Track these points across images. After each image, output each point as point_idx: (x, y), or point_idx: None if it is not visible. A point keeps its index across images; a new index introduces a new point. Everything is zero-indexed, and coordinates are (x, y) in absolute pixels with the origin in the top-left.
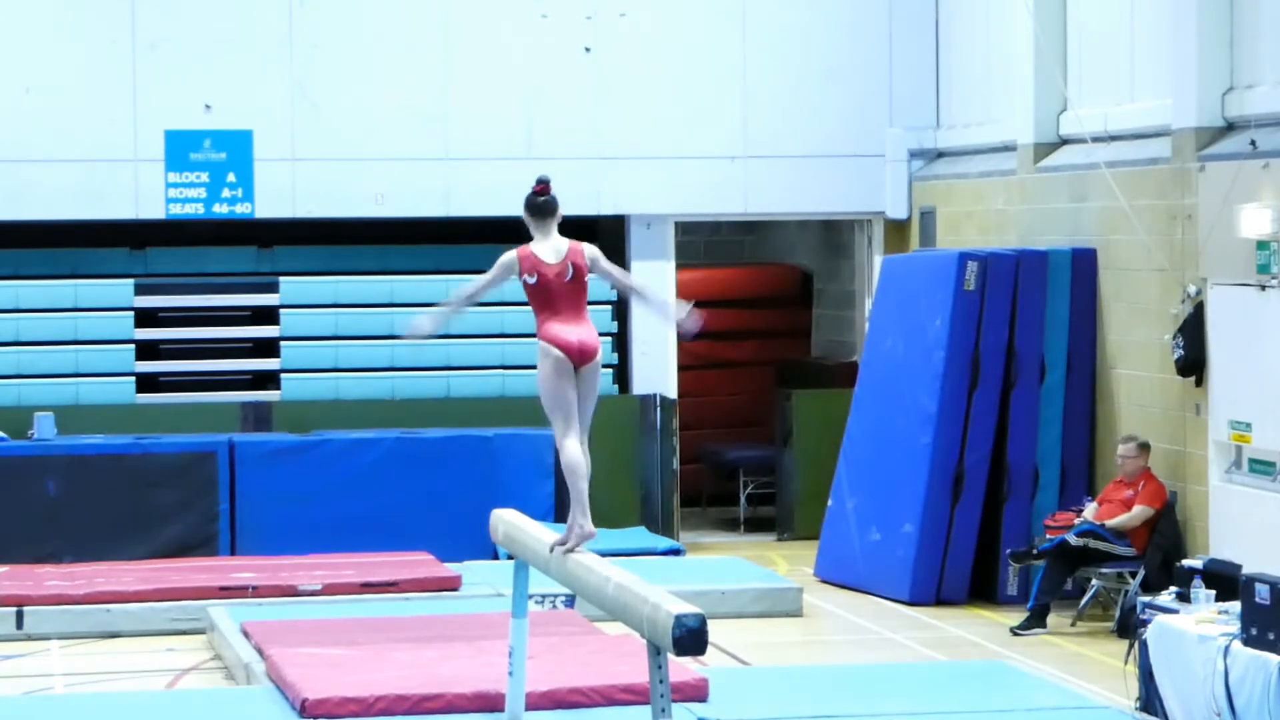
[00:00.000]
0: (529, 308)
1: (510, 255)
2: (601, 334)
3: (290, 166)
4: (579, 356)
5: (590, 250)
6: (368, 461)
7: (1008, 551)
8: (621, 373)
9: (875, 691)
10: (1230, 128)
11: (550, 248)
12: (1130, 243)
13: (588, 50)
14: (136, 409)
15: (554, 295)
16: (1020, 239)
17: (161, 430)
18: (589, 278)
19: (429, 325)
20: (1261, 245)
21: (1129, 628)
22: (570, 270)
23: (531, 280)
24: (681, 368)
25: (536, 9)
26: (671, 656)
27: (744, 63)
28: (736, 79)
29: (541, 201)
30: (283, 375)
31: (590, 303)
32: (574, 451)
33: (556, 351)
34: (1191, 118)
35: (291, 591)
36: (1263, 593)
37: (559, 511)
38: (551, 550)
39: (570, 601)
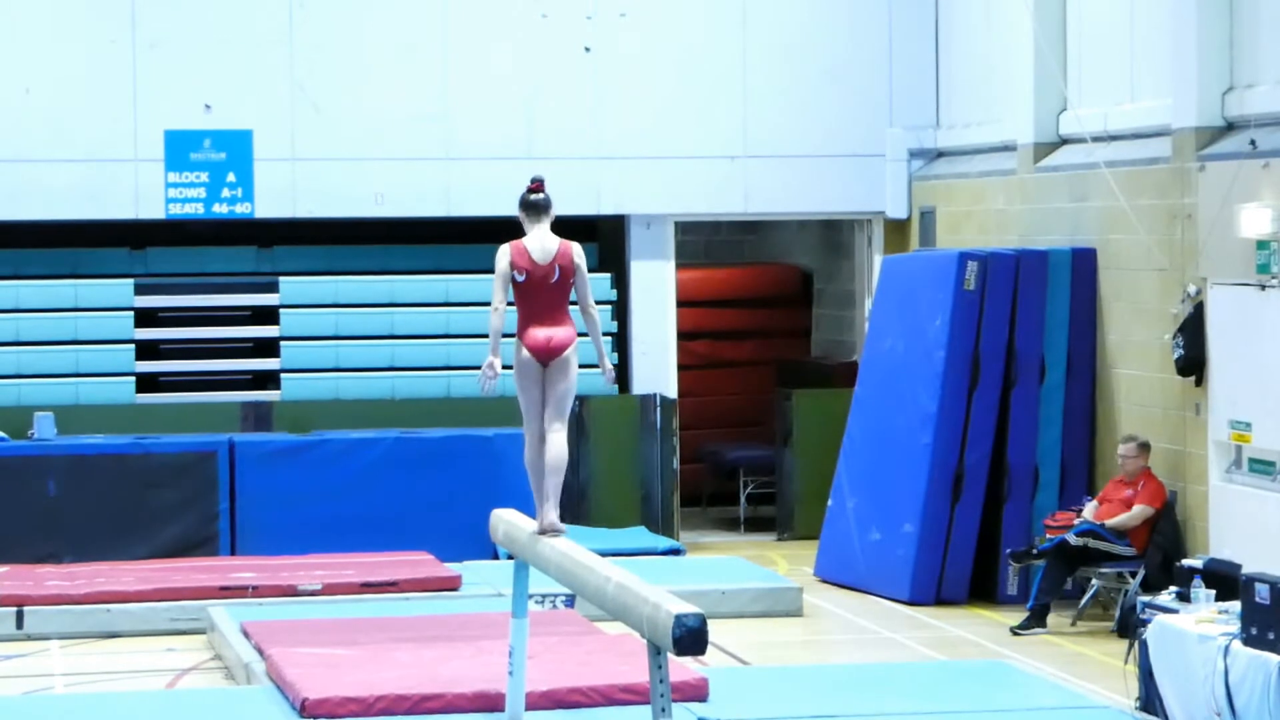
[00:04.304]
0: None
1: (504, 257)
2: (601, 334)
3: (290, 166)
4: (545, 354)
5: (579, 255)
6: (368, 461)
7: (1008, 551)
8: (621, 373)
9: (875, 691)
10: (1230, 127)
11: (540, 247)
12: (1130, 242)
13: (588, 50)
14: (136, 409)
15: (538, 294)
16: (1020, 239)
17: (161, 430)
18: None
19: (496, 370)
20: (1261, 245)
21: (1129, 627)
22: (557, 272)
23: (520, 278)
24: (681, 368)
25: (536, 9)
26: (671, 656)
27: (744, 63)
28: (736, 79)
29: (535, 200)
30: (283, 375)
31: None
32: (532, 449)
33: (524, 352)
34: (1191, 117)
35: (291, 591)
36: (1263, 593)
37: (560, 511)
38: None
39: (570, 601)
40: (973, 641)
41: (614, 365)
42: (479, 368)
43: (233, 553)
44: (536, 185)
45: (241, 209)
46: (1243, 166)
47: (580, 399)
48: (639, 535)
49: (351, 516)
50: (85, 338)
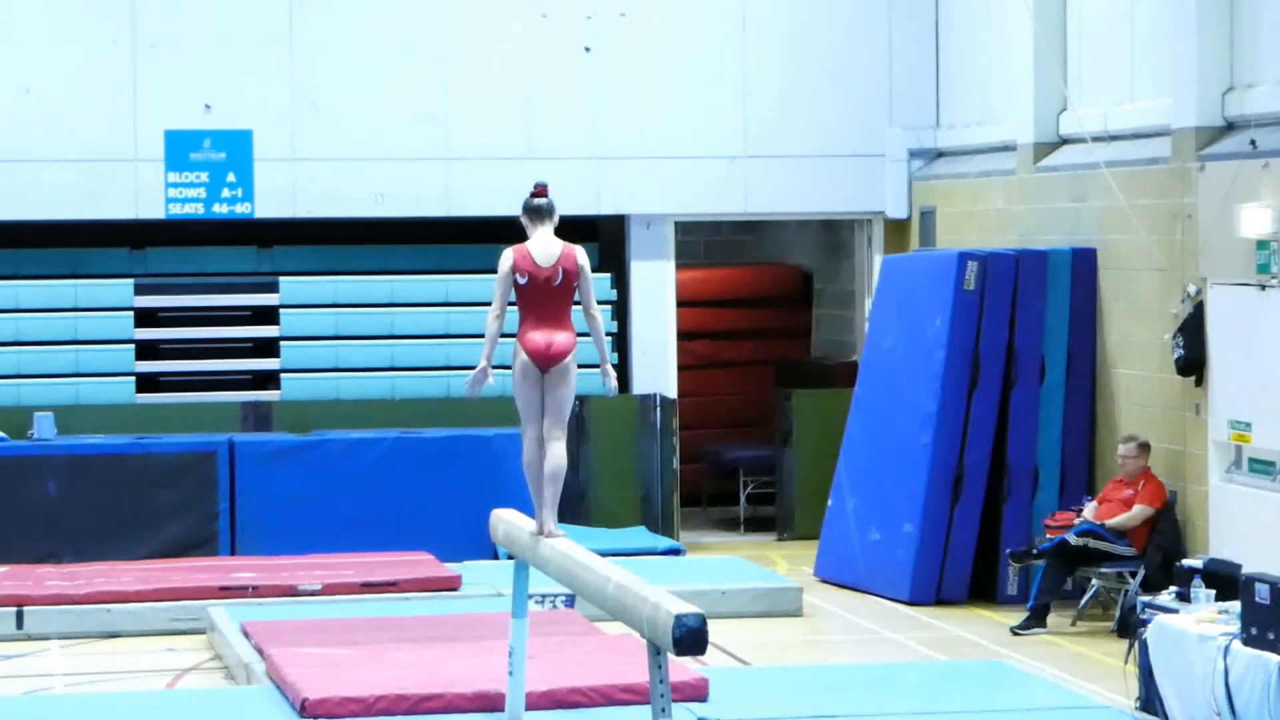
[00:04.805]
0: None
1: (506, 260)
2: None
3: (290, 166)
4: (544, 360)
5: (583, 258)
6: (368, 461)
7: (1008, 551)
8: (621, 373)
9: (875, 691)
10: (1230, 127)
11: (544, 250)
12: (1130, 243)
13: (588, 50)
14: (136, 409)
15: (540, 298)
16: (1020, 239)
17: (161, 430)
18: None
19: (487, 375)
20: (1261, 245)
21: (1129, 627)
22: (560, 275)
23: (523, 281)
24: (681, 368)
25: (536, 9)
26: (671, 656)
27: (744, 63)
28: (736, 79)
29: (539, 204)
30: (283, 375)
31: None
32: (530, 452)
33: (524, 355)
34: (1191, 117)
35: (291, 591)
36: (1263, 593)
37: (560, 511)
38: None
39: (570, 601)
40: (973, 641)
41: (613, 366)
42: (475, 368)
43: (233, 553)
44: (540, 190)
45: (241, 209)
46: (1243, 166)
47: (580, 399)
48: (639, 535)
49: (351, 516)
50: (85, 338)
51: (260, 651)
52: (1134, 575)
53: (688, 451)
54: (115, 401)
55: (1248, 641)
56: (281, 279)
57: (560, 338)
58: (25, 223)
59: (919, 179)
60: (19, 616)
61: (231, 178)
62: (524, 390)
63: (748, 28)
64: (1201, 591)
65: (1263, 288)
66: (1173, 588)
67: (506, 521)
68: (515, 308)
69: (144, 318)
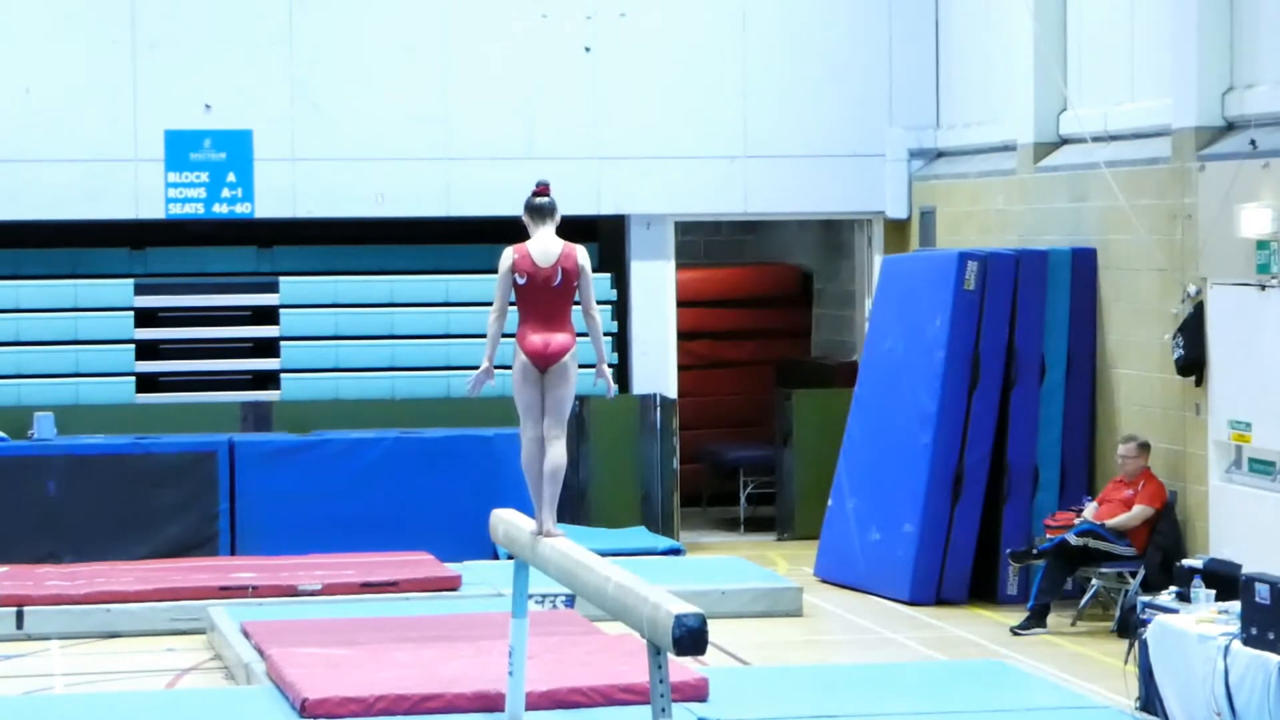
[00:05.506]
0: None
1: (506, 260)
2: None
3: (290, 166)
4: (542, 360)
5: (583, 258)
6: (368, 461)
7: (1008, 551)
8: (621, 373)
9: (875, 691)
10: (1230, 127)
11: (543, 250)
12: (1130, 242)
13: (588, 50)
14: (136, 409)
15: (540, 298)
16: (1020, 239)
17: (161, 430)
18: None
19: (489, 376)
20: (1261, 245)
21: (1129, 627)
22: (559, 275)
23: (522, 281)
24: (681, 368)
25: (536, 9)
26: (671, 656)
27: (744, 63)
28: (736, 79)
29: (541, 203)
30: (283, 375)
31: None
32: (529, 452)
33: (523, 356)
34: (1191, 117)
35: (291, 591)
36: (1263, 593)
37: (560, 511)
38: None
39: (570, 601)
40: (973, 641)
41: (613, 366)
42: (478, 368)
43: (233, 553)
44: (542, 189)
45: (241, 209)
46: (1243, 166)
47: (580, 399)
48: (639, 535)
49: (351, 516)
50: (85, 338)
51: (260, 651)
52: (1134, 575)
53: (688, 451)
54: (115, 401)
55: (1248, 641)
56: (281, 279)
57: (559, 338)
58: (25, 223)
59: (919, 179)
60: (19, 616)
61: (231, 178)
62: (523, 390)
63: (748, 28)
64: (1201, 591)
65: (1263, 288)
66: (1173, 588)
67: (506, 521)
68: (515, 307)
69: (144, 318)
